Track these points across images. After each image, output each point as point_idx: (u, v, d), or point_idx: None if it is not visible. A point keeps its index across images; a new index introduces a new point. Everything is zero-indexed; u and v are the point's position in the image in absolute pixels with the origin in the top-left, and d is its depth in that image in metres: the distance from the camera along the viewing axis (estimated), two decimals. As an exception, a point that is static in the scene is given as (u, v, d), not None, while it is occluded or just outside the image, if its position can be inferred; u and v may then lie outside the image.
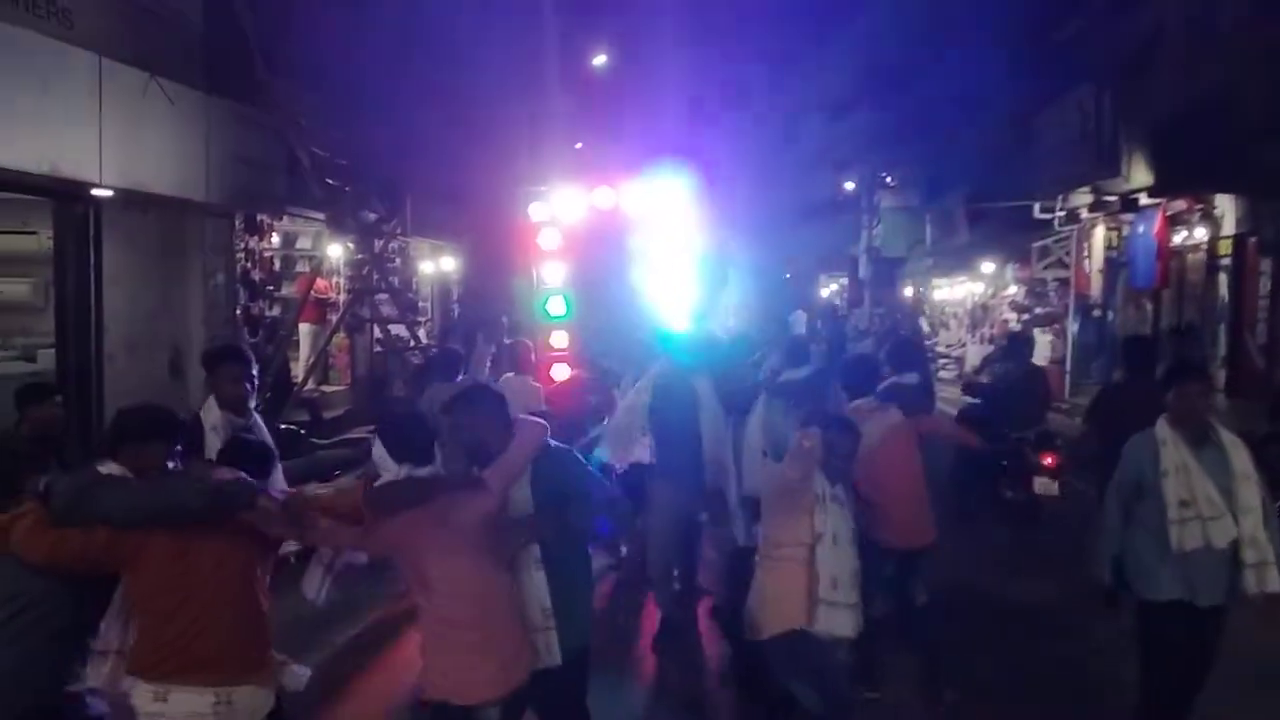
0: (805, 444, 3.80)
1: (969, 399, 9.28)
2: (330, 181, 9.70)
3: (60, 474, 3.15)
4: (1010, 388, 7.93)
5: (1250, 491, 3.97)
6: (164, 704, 2.92)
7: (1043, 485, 7.56)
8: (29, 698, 2.98)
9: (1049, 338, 19.13)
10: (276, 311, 11.65)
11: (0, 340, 8.86)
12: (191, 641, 2.94)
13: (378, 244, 11.01)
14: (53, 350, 7.74)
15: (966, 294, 26.58)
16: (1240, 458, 4.02)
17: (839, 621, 3.74)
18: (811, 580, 3.72)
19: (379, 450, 3.25)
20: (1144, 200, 13.96)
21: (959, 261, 24.37)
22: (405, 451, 3.21)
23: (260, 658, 3.10)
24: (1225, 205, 12.78)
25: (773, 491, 4.02)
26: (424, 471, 3.20)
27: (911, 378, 5.26)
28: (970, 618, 5.89)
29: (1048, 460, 7.58)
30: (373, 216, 11.02)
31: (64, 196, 7.22)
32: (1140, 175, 13.26)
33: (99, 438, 7.45)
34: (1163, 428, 4.05)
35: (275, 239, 11.84)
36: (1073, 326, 17.77)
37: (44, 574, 2.94)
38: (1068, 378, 17.43)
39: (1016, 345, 9.06)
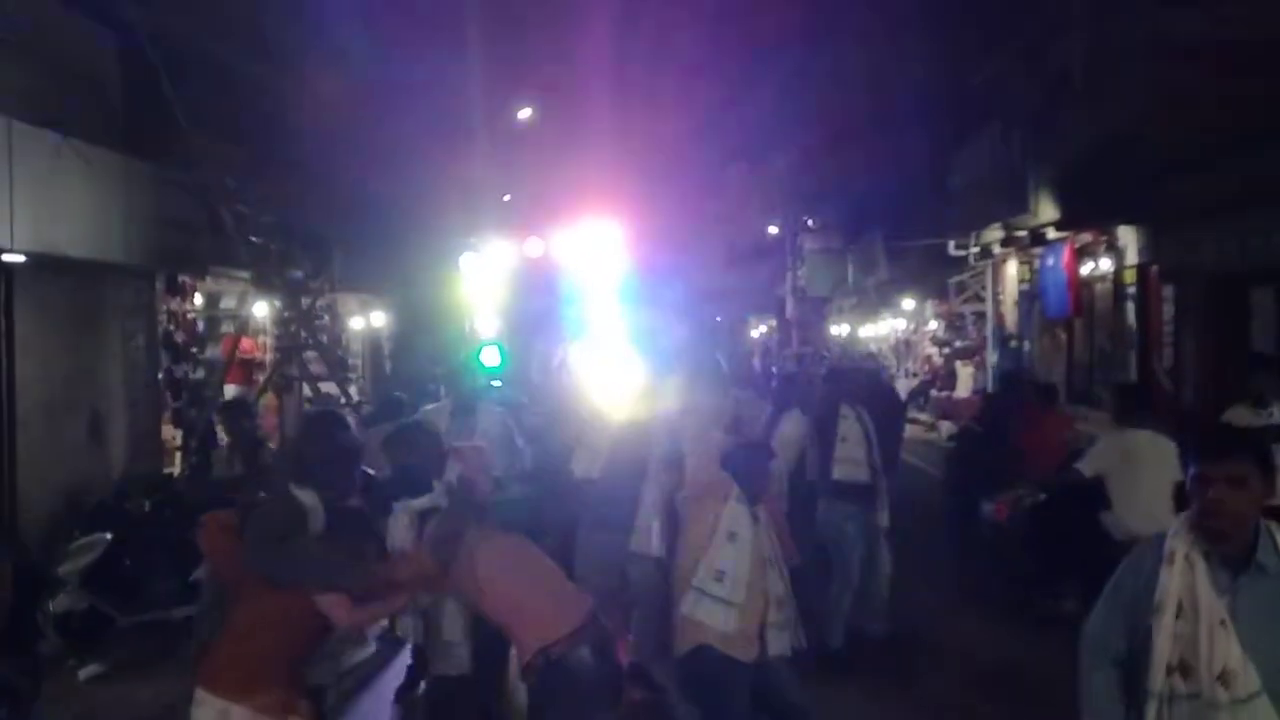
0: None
1: None
2: (255, 240, 9.56)
3: (262, 500, 3.37)
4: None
5: None
6: None
7: None
8: None
9: (970, 370, 19.73)
10: (200, 374, 11.36)
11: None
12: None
13: (305, 301, 10.85)
14: (-39, 420, 7.42)
15: (890, 330, 27.25)
16: None
17: (718, 617, 3.76)
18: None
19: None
20: (1052, 234, 14.58)
21: (881, 299, 25.02)
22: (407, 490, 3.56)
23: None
24: (1128, 236, 13.42)
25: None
26: (422, 502, 3.54)
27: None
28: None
29: None
30: (299, 273, 10.87)
31: (-28, 262, 6.99)
32: (1048, 210, 13.87)
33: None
34: (1177, 534, 2.55)
35: (198, 300, 11.57)
36: (992, 357, 18.35)
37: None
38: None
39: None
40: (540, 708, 3.81)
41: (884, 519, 6.01)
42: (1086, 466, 5.80)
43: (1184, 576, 2.48)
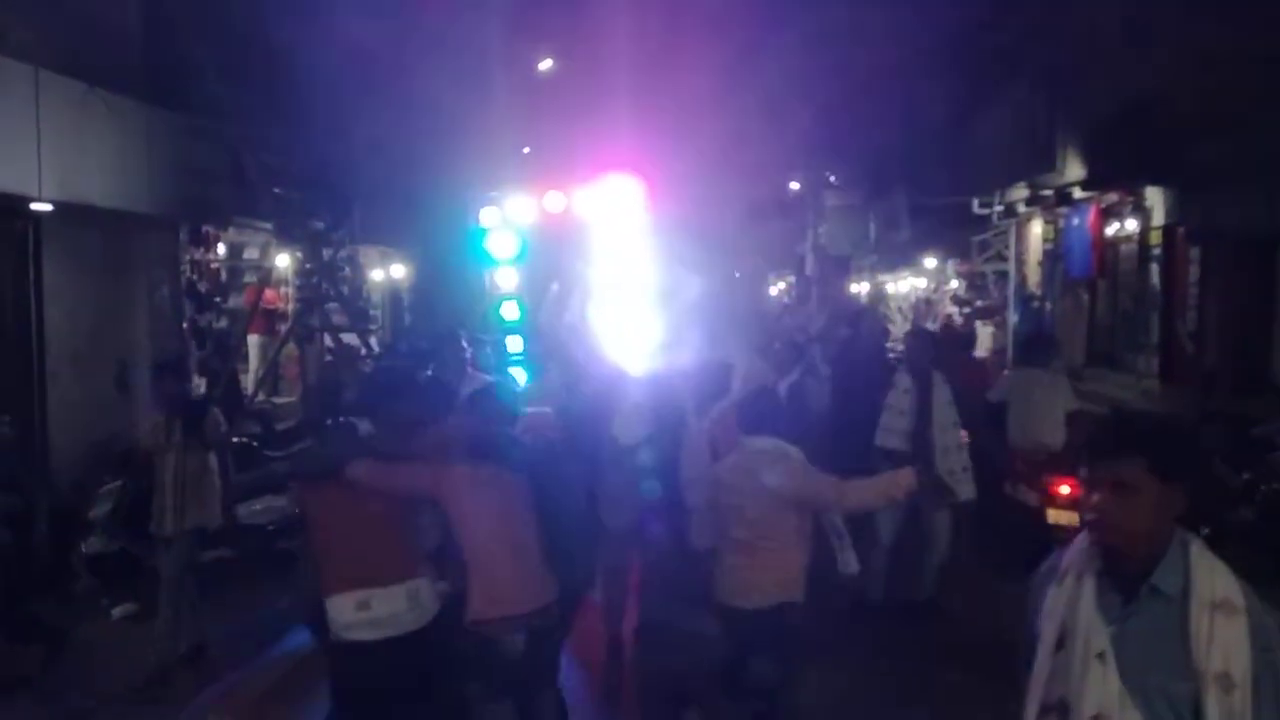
0: None
1: None
2: (278, 190, 9.60)
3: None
4: None
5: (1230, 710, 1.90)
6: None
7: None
8: None
9: (990, 329, 19.63)
10: (224, 323, 11.48)
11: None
12: None
13: (327, 252, 10.91)
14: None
15: (910, 289, 27.10)
16: (1228, 631, 1.94)
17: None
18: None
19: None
20: (1078, 194, 14.40)
21: (902, 257, 24.85)
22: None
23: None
24: (1155, 198, 13.24)
25: None
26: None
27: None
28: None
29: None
30: (320, 225, 10.91)
31: (2, 212, 7.06)
32: (1074, 169, 13.69)
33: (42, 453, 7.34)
34: (1079, 548, 2.11)
35: (221, 250, 11.66)
36: (1013, 318, 18.25)
37: None
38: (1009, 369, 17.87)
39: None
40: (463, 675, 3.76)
41: (966, 491, 5.97)
42: (993, 394, 7.16)
43: (1070, 599, 2.03)
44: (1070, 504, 6.27)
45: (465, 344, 8.16)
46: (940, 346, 7.37)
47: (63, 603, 5.49)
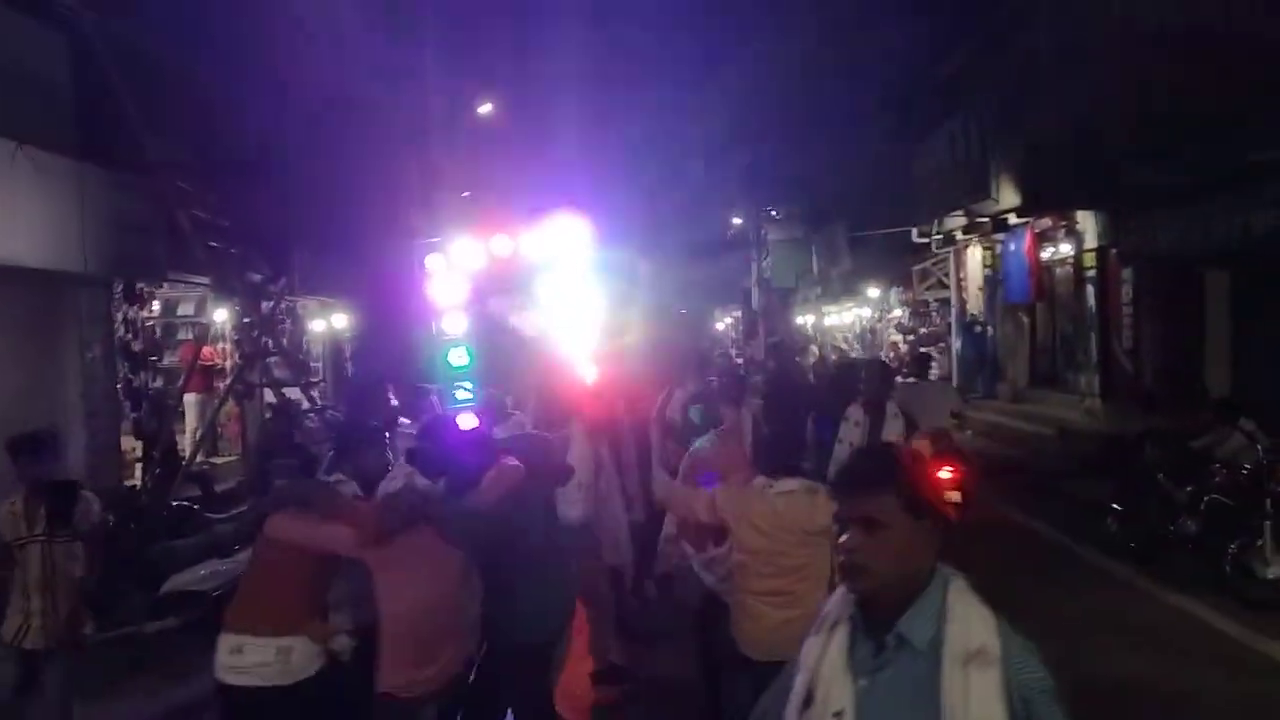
0: None
1: None
2: (213, 244, 9.38)
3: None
4: None
5: None
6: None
7: None
8: None
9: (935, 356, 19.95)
10: (159, 383, 11.14)
11: None
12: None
13: (265, 305, 10.67)
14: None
15: (854, 319, 27.48)
16: (983, 688, 1.71)
17: None
18: None
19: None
20: (1013, 220, 14.78)
21: (845, 288, 25.21)
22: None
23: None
24: (1087, 222, 13.64)
25: None
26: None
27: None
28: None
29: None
30: (258, 277, 10.69)
31: (-76, 274, 6.78)
32: (1009, 197, 14.07)
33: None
34: (839, 592, 1.94)
35: (155, 306, 11.35)
36: (956, 343, 18.56)
37: None
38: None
39: None
40: None
41: None
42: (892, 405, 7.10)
43: (821, 650, 1.83)
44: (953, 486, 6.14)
45: (390, 395, 8.03)
46: (890, 379, 7.40)
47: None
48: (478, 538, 3.63)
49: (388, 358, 12.40)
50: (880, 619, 1.80)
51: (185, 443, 10.79)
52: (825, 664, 1.81)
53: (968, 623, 1.75)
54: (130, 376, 10.10)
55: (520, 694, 4.07)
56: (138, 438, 10.04)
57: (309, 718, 3.47)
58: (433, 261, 8.83)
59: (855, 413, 6.04)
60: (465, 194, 18.26)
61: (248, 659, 3.42)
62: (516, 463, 3.93)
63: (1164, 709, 4.93)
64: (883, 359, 14.22)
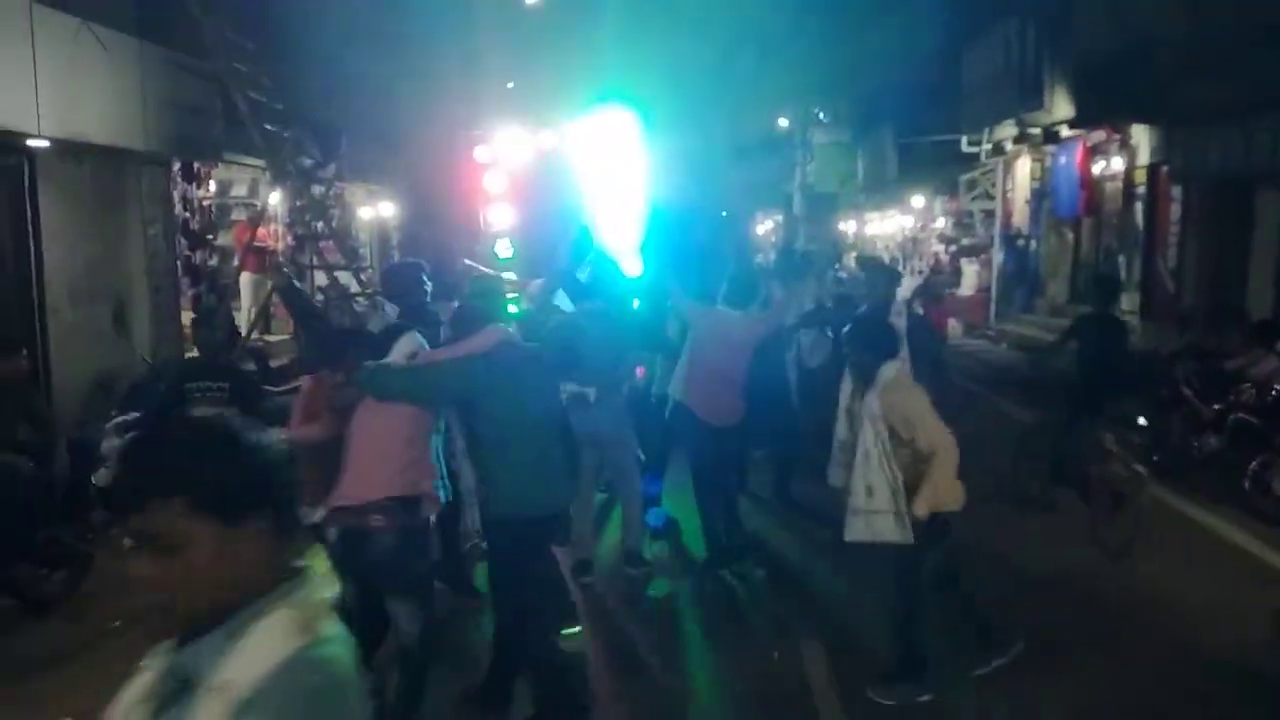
0: None
1: None
2: (269, 127, 9.56)
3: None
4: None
5: None
6: None
7: None
8: None
9: (975, 267, 19.83)
10: (215, 261, 11.50)
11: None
12: None
13: (317, 190, 10.90)
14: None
15: (898, 228, 27.22)
16: None
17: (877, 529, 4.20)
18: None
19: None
20: (1065, 132, 14.48)
21: (889, 196, 24.92)
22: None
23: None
24: (1140, 136, 13.37)
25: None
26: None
27: None
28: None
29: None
30: (309, 162, 10.89)
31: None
32: (1062, 108, 13.76)
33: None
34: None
35: (211, 186, 11.64)
36: (998, 256, 18.43)
37: None
38: (993, 306, 18.11)
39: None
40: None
41: None
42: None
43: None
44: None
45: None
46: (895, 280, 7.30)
47: (82, 531, 5.68)
48: (392, 391, 3.89)
49: (433, 245, 12.65)
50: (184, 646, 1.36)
51: (241, 320, 11.20)
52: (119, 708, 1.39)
53: (245, 655, 1.30)
54: (188, 254, 10.46)
55: (508, 567, 4.11)
56: (195, 313, 10.47)
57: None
58: (480, 153, 9.03)
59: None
60: (510, 84, 18.13)
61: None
62: (499, 337, 4.16)
63: (1184, 620, 5.10)
64: (885, 261, 13.74)
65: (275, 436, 1.43)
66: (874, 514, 4.19)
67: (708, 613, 5.39)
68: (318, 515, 3.79)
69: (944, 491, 4.13)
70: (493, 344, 4.08)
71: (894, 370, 4.30)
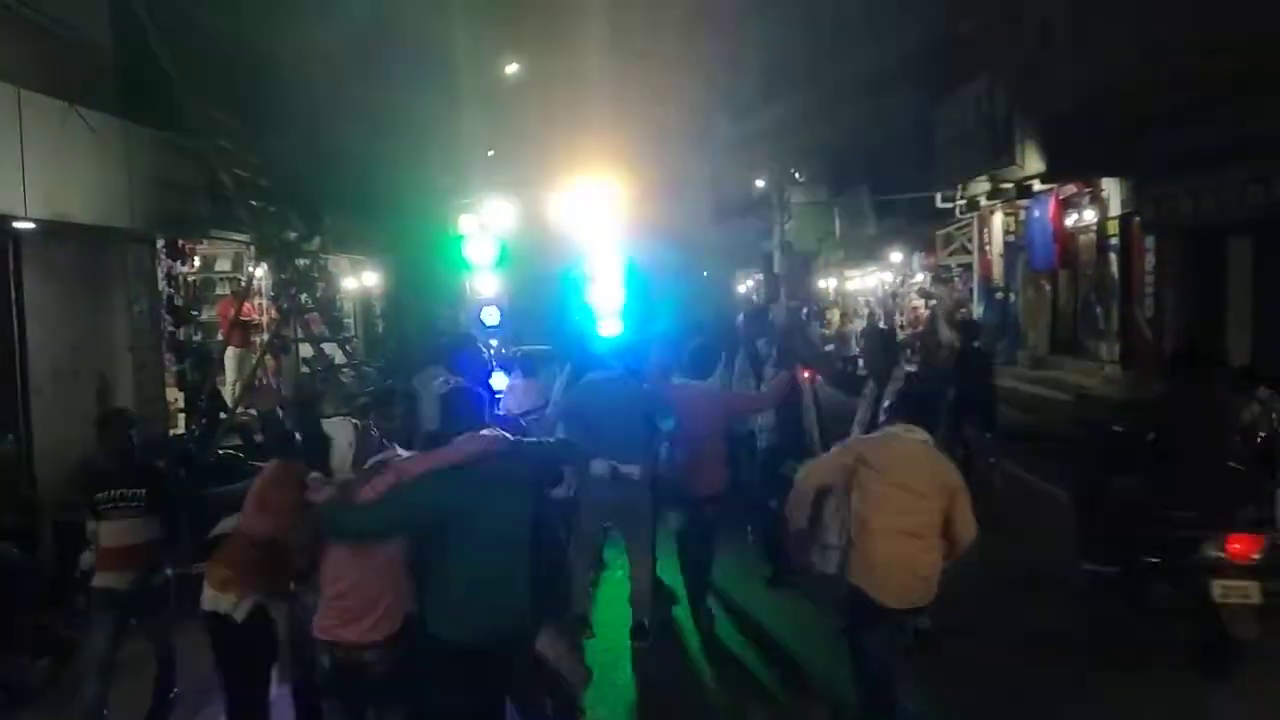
0: None
1: None
2: (253, 203, 9.64)
3: None
4: None
5: None
6: None
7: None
8: None
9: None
10: (200, 336, 11.48)
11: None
12: None
13: (301, 263, 10.94)
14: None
15: (877, 283, 27.50)
16: None
17: None
18: None
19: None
20: (1038, 186, 14.80)
21: (868, 252, 25.23)
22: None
23: None
24: (1111, 188, 13.66)
25: None
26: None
27: None
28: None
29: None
30: (293, 235, 10.95)
31: (-16, 231, 7.08)
32: (1034, 163, 14.09)
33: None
34: None
35: (196, 263, 11.68)
36: (977, 309, 18.63)
37: None
38: (976, 358, 18.20)
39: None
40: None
41: None
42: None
43: None
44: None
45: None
46: (894, 348, 7.45)
47: (68, 616, 5.56)
48: (348, 534, 3.67)
49: (418, 315, 12.69)
50: None
51: (226, 394, 11.13)
52: None
53: None
54: (172, 330, 10.44)
55: (442, 699, 3.67)
56: (180, 389, 10.41)
57: None
58: (465, 222, 9.08)
59: (870, 388, 5.86)
60: (490, 152, 18.41)
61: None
62: (482, 447, 3.74)
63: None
64: (882, 328, 14.15)
65: None
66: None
67: (710, 686, 5.29)
68: (237, 609, 3.99)
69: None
70: (472, 455, 3.66)
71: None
